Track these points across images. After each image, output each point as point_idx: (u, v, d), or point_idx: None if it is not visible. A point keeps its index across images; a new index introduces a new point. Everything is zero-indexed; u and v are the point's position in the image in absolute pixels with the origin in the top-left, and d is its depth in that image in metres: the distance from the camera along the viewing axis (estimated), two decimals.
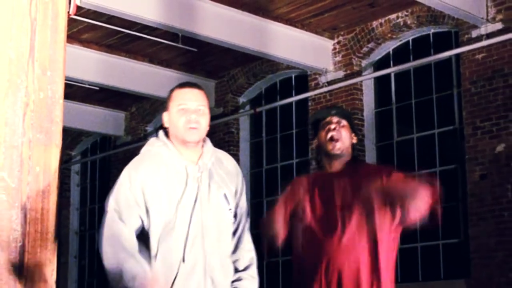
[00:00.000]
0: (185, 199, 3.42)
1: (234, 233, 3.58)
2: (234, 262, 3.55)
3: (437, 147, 10.51)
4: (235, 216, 3.58)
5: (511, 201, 9.20)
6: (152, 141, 3.60)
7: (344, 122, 4.02)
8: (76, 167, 16.02)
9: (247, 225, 3.65)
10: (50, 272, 2.35)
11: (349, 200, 3.87)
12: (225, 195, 3.52)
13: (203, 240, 3.41)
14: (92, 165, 15.85)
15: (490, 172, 9.42)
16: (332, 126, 3.98)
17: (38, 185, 2.37)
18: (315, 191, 3.97)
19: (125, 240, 3.28)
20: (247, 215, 3.66)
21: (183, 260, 3.36)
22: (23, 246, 2.30)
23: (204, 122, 3.50)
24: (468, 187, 9.69)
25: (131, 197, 3.37)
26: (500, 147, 9.39)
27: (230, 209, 3.53)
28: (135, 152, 14.71)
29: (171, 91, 3.59)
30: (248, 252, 3.59)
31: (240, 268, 3.56)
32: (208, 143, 3.59)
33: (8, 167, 2.32)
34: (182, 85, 3.61)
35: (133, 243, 3.30)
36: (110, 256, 3.26)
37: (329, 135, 3.97)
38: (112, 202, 3.37)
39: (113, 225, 3.30)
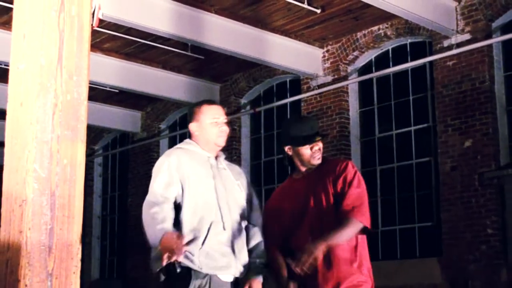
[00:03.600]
0: (212, 180, 3.70)
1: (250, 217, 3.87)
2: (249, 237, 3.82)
3: (414, 142, 10.51)
4: (250, 203, 3.88)
5: (478, 189, 9.21)
6: (180, 143, 3.90)
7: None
8: (98, 160, 16.02)
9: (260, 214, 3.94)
10: (76, 251, 2.36)
11: (312, 203, 3.84)
12: (238, 185, 3.82)
13: (230, 212, 3.69)
14: (112, 158, 15.86)
15: (459, 164, 9.42)
16: (317, 147, 3.91)
17: (66, 175, 2.37)
18: (283, 201, 3.96)
19: (163, 214, 3.48)
20: (260, 207, 3.96)
21: (219, 223, 3.63)
22: (52, 229, 2.31)
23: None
24: (440, 177, 9.69)
25: (168, 177, 3.62)
26: (468, 142, 9.40)
27: (243, 196, 3.83)
28: (150, 147, 14.60)
29: (199, 106, 3.84)
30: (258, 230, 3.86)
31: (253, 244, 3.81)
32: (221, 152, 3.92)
33: (39, 160, 2.33)
34: (210, 102, 3.93)
35: (170, 216, 3.52)
36: (149, 224, 3.49)
37: (315, 155, 3.90)
38: (153, 183, 3.63)
39: (153, 203, 3.54)
